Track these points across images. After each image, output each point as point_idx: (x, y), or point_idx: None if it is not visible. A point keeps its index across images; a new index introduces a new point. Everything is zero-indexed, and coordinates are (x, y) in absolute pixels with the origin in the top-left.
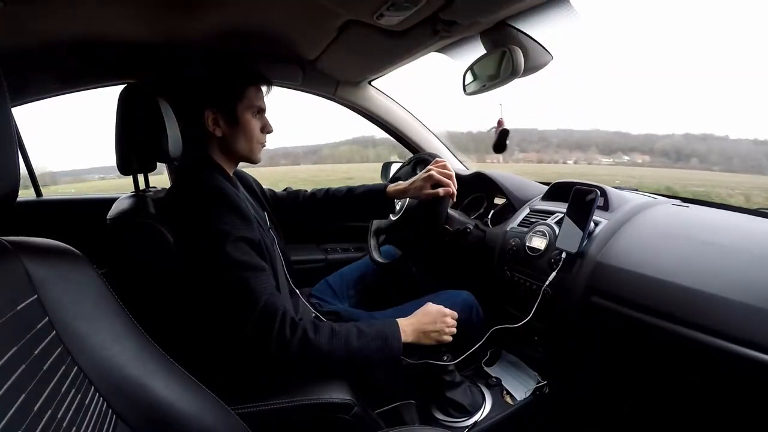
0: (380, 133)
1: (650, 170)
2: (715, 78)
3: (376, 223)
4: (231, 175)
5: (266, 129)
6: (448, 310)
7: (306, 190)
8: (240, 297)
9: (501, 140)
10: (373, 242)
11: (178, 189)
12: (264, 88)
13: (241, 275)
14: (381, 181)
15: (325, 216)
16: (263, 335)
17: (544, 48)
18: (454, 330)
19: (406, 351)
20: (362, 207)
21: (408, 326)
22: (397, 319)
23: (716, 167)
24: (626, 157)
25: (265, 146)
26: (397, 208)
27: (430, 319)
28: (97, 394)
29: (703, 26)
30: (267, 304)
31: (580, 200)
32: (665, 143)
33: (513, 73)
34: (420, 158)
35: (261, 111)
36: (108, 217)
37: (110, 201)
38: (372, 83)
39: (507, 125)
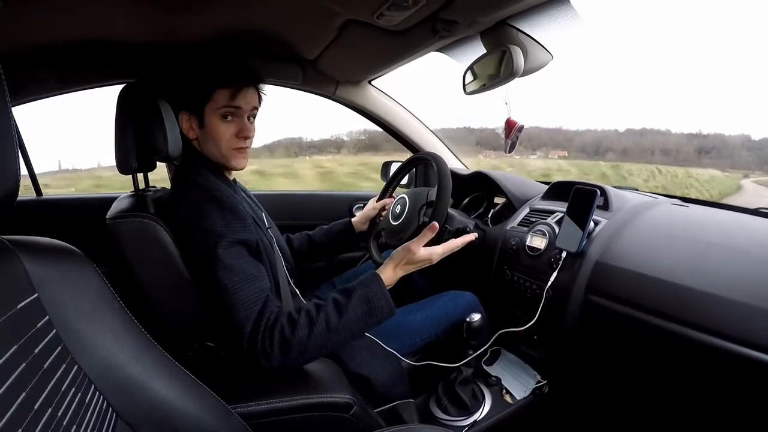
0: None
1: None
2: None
3: (377, 225)
4: (228, 175)
5: (241, 133)
6: (435, 250)
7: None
8: (230, 307)
9: (516, 139)
10: (373, 244)
11: (174, 189)
12: (251, 89)
13: (230, 282)
14: (381, 180)
15: (306, 260)
16: (253, 349)
17: (544, 47)
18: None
19: (407, 351)
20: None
21: (392, 277)
22: (378, 272)
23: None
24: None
25: (243, 151)
26: (398, 210)
27: (417, 267)
28: (97, 392)
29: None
30: (257, 318)
31: (580, 199)
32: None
33: (512, 73)
34: (419, 158)
35: (234, 113)
36: (107, 216)
37: (110, 200)
38: (372, 83)
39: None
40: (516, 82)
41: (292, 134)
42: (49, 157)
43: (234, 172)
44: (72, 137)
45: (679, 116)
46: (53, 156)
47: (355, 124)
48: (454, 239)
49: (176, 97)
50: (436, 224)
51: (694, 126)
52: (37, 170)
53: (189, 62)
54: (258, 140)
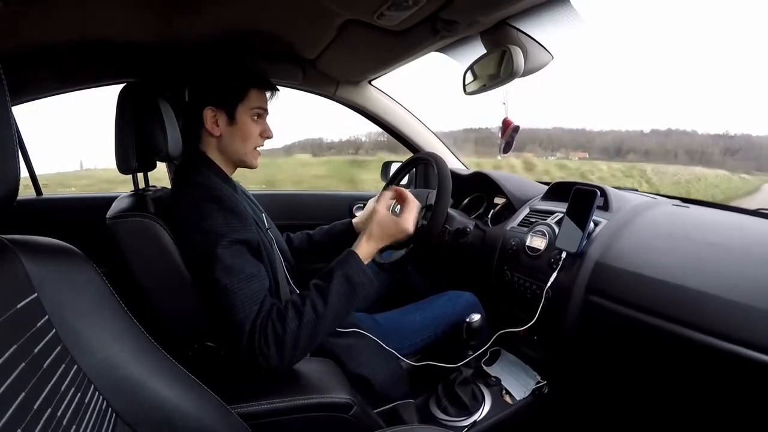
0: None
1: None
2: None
3: None
4: (229, 176)
5: (265, 134)
6: (403, 219)
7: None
8: (230, 307)
9: (511, 139)
10: None
11: (175, 189)
12: (268, 93)
13: (229, 281)
14: (381, 180)
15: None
16: (251, 350)
17: (544, 48)
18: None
19: (407, 352)
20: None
21: (367, 250)
22: (352, 248)
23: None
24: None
25: (258, 151)
26: (398, 210)
27: (388, 233)
28: (97, 392)
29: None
30: (255, 318)
31: (580, 200)
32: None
33: (513, 73)
34: (419, 158)
35: (261, 115)
36: (107, 216)
37: (110, 200)
38: (372, 83)
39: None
40: (539, 83)
41: (312, 135)
42: (70, 157)
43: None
44: (93, 136)
45: (706, 117)
46: (74, 156)
47: (373, 126)
48: (410, 204)
49: (200, 93)
50: (398, 188)
51: (720, 127)
52: (59, 169)
53: (223, 60)
54: (277, 141)
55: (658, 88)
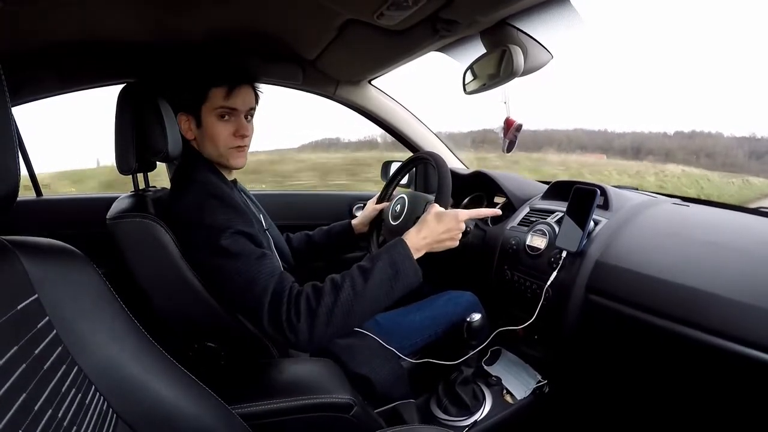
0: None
1: None
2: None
3: (377, 226)
4: (227, 176)
5: (239, 132)
6: (461, 212)
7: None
8: (244, 288)
9: (514, 138)
10: (374, 244)
11: (175, 188)
12: (246, 89)
13: (238, 266)
14: (381, 179)
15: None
16: (276, 323)
17: (543, 47)
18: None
19: (407, 352)
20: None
21: (420, 240)
22: (403, 237)
23: None
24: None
25: (242, 150)
26: (398, 210)
27: (445, 226)
28: (98, 393)
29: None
30: (276, 291)
31: (580, 199)
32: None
33: (512, 73)
34: (419, 157)
35: (230, 114)
36: (108, 216)
37: (110, 200)
38: (372, 82)
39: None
40: (565, 85)
41: (330, 135)
42: (87, 155)
43: (235, 172)
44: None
45: (733, 119)
46: (91, 153)
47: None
48: (478, 209)
49: (174, 99)
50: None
51: (747, 129)
52: (77, 167)
53: (184, 63)
54: (294, 140)
55: (685, 90)
